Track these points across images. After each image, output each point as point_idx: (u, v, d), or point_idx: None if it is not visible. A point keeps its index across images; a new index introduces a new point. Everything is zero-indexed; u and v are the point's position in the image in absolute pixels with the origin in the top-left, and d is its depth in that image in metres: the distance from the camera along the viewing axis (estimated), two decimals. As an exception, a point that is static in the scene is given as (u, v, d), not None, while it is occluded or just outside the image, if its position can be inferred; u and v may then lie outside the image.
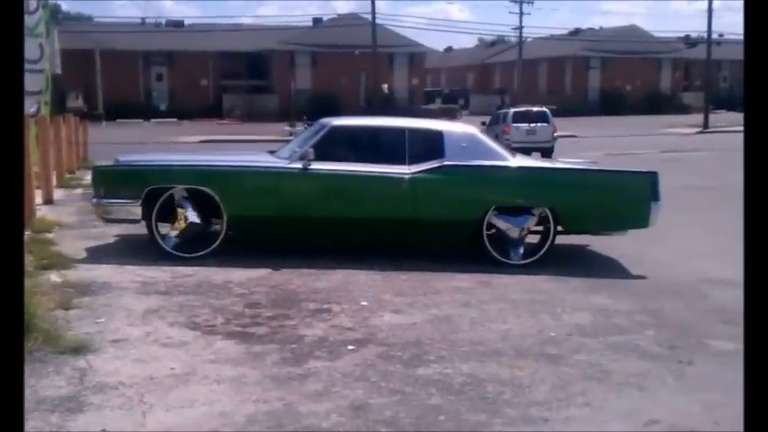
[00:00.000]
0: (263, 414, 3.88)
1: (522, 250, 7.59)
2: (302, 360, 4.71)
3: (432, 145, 7.54)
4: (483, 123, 26.86)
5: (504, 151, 7.90)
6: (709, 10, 41.99)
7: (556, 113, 28.25)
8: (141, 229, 7.72)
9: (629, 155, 23.25)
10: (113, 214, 7.64)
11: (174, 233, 7.47)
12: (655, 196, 7.46)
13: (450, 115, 54.85)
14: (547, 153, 23.04)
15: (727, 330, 5.61)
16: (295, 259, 7.48)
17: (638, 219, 7.58)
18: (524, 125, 24.71)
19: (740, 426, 3.83)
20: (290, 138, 35.37)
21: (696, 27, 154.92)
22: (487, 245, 7.50)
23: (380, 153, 7.57)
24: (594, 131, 36.11)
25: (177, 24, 58.82)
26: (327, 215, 7.50)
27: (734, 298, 6.55)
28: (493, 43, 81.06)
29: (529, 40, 62.71)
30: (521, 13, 53.83)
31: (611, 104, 58.01)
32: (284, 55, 54.71)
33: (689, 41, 67.20)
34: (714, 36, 46.93)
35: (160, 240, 7.44)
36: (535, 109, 26.31)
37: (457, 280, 6.93)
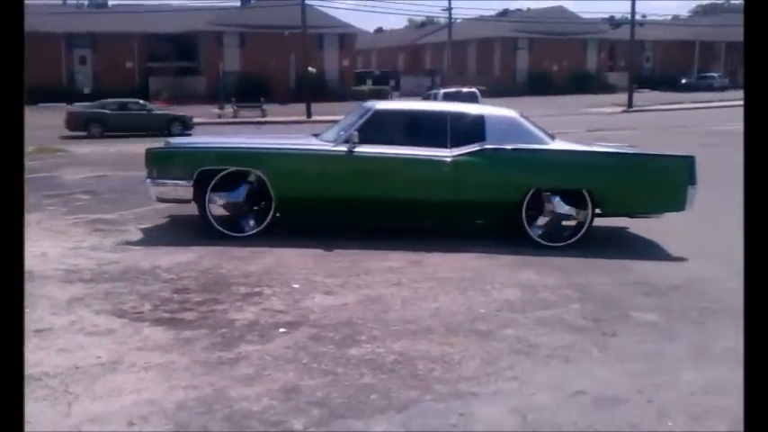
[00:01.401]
0: (192, 400, 3.84)
1: (563, 232, 7.71)
2: (233, 344, 4.67)
3: (473, 128, 7.68)
4: None
5: (543, 135, 7.94)
6: (632, -9, 42.90)
7: (485, 94, 28.55)
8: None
9: (558, 134, 23.63)
10: (165, 194, 7.86)
11: (224, 213, 7.72)
12: (692, 180, 7.54)
13: (381, 96, 54.95)
14: None
15: (648, 302, 5.80)
16: (225, 243, 7.40)
17: (676, 202, 7.65)
18: None
19: (659, 394, 3.98)
20: (219, 119, 34.91)
21: (620, 9, 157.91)
22: (526, 227, 7.60)
23: (423, 136, 7.67)
24: (524, 111, 36.61)
25: (101, 5, 57.13)
26: (371, 196, 7.64)
27: (655, 270, 6.78)
28: (423, 24, 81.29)
29: (458, 21, 63.10)
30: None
31: (539, 85, 58.92)
32: (212, 36, 53.79)
33: (613, 22, 68.73)
34: (637, 17, 48.02)
35: (213, 220, 7.64)
36: (465, 89, 26.67)
37: (389, 260, 6.96)
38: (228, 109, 37.12)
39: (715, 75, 65.21)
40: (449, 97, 25.56)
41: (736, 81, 67.18)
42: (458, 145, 7.54)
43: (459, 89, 26.97)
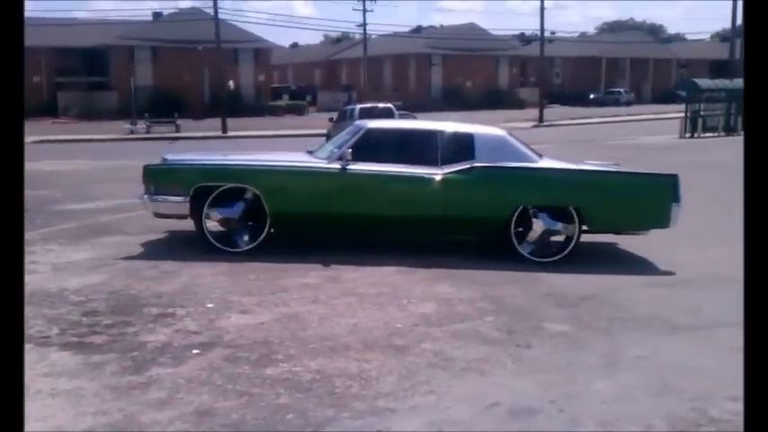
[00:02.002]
0: (101, 426, 3.71)
1: (549, 248, 7.81)
2: (144, 368, 4.54)
3: (463, 147, 7.85)
4: (330, 119, 27.00)
5: (531, 153, 8.08)
6: (542, 8, 44.16)
7: (401, 109, 28.84)
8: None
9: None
10: (162, 209, 7.93)
11: (220, 228, 7.90)
12: (676, 198, 7.69)
13: (297, 112, 54.77)
14: None
15: (560, 313, 5.94)
16: (136, 260, 7.21)
17: (660, 219, 7.80)
18: None
19: (571, 403, 4.07)
20: (131, 135, 34.03)
21: (530, 26, 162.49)
22: (515, 243, 7.74)
23: (414, 154, 7.83)
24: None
25: (4, 18, 54.97)
26: (364, 213, 7.81)
27: (566, 282, 6.95)
28: (338, 40, 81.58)
29: (373, 36, 63.56)
30: (364, 10, 54.42)
31: (453, 100, 59.89)
32: (123, 50, 52.61)
33: (524, 39, 70.55)
34: (546, 34, 49.43)
35: (208, 235, 7.80)
36: (381, 105, 26.92)
37: (306, 276, 6.91)
38: (141, 124, 36.27)
39: (621, 90, 67.69)
40: (365, 113, 25.66)
41: (641, 96, 69.91)
42: (448, 163, 7.72)
43: (376, 104, 27.18)
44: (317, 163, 7.92)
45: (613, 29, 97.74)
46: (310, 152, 8.44)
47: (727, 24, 48.43)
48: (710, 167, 16.56)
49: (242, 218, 7.84)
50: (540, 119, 42.90)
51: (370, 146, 7.86)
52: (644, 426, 3.84)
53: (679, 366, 4.75)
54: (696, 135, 29.25)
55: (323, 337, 5.17)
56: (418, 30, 70.36)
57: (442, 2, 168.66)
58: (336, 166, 7.74)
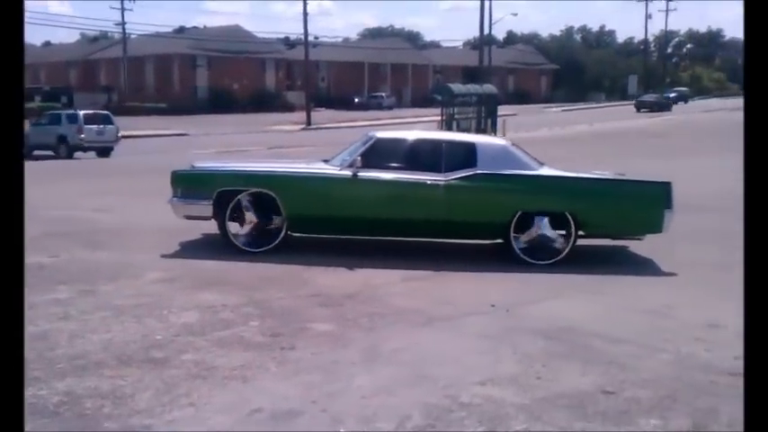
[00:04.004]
0: None
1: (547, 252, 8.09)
2: None
3: (466, 155, 8.24)
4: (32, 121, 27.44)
5: (532, 162, 8.41)
6: (305, 13, 44.79)
7: (166, 111, 28.97)
8: None
9: (239, 152, 23.84)
10: (188, 212, 8.54)
11: (242, 231, 8.43)
12: (668, 204, 7.97)
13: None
14: (107, 152, 26.95)
15: (325, 312, 6.02)
16: None
17: (653, 225, 8.07)
18: (95, 126, 27.10)
19: (333, 401, 4.12)
20: None
21: (295, 29, 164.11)
22: (514, 246, 8.08)
23: (420, 162, 8.30)
24: (205, 129, 36.42)
25: None
26: (373, 216, 8.31)
27: (331, 281, 7.06)
28: (96, 39, 77.18)
29: (134, 36, 60.96)
30: (122, 9, 51.95)
31: (220, 102, 59.00)
32: None
33: (289, 43, 71.07)
34: (311, 38, 50.24)
35: (231, 237, 8.35)
36: (101, 112, 29.49)
37: (54, 292, 6.43)
38: None
39: (383, 94, 70.45)
40: (89, 119, 27.36)
41: (402, 100, 73.18)
42: (451, 170, 8.10)
43: (97, 112, 30.07)
44: (330, 170, 8.43)
45: (374, 35, 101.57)
46: (326, 161, 8.83)
47: (477, 33, 52.12)
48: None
49: (261, 221, 8.34)
50: (308, 122, 43.53)
51: (379, 154, 8.36)
52: (401, 417, 3.98)
53: (433, 356, 4.99)
54: (452, 136, 31.09)
55: (72, 356, 4.82)
56: (181, 30, 68.43)
57: (206, 3, 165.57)
58: (348, 172, 8.20)
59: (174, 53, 62.97)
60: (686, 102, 73.44)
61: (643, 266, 8.04)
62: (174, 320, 5.71)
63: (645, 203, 8.25)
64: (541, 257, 8.05)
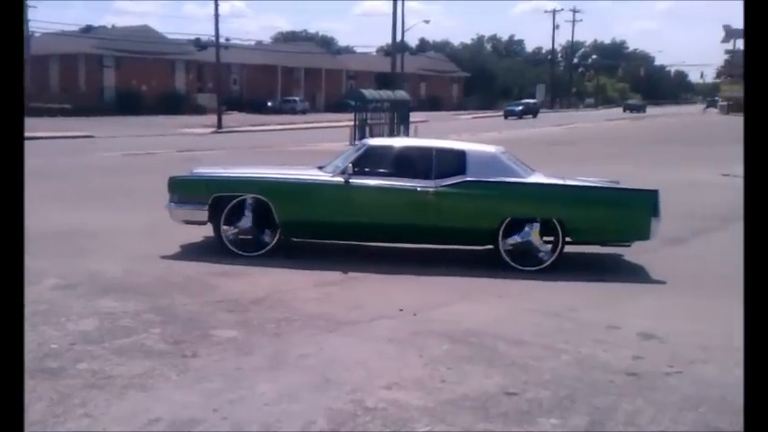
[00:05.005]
0: None
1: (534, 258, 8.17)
2: None
3: (455, 163, 8.34)
4: None
5: (521, 169, 8.53)
6: (216, 15, 44.13)
7: (70, 112, 27.23)
8: None
9: (148, 155, 23.26)
10: (185, 217, 8.63)
11: (236, 235, 8.43)
12: (655, 212, 8.07)
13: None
14: None
15: (230, 318, 5.91)
16: None
17: (640, 232, 8.19)
18: None
19: (235, 409, 4.05)
20: None
21: (206, 31, 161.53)
22: (502, 252, 8.16)
23: (410, 169, 8.43)
24: (113, 131, 35.30)
25: None
26: (365, 221, 8.39)
27: (239, 287, 6.95)
28: (-6, 36, 73.85)
29: (37, 35, 58.66)
30: (25, 6, 49.94)
31: (128, 104, 57.30)
32: None
33: (199, 45, 69.76)
34: (222, 41, 49.51)
35: (225, 241, 8.37)
36: None
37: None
38: None
39: (296, 99, 70.00)
40: None
41: (315, 104, 73.03)
42: (441, 177, 8.22)
43: None
44: (323, 176, 8.54)
45: (288, 39, 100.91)
46: (321, 167, 8.91)
47: (390, 39, 52.54)
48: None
49: (255, 225, 8.35)
50: (219, 125, 42.79)
51: (371, 161, 8.50)
52: (305, 422, 3.94)
53: (340, 361, 4.97)
54: (365, 142, 31.18)
55: (-40, 367, 4.57)
56: (88, 29, 66.28)
57: (115, 2, 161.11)
58: (340, 179, 8.30)
59: (81, 53, 60.90)
60: (535, 115, 65.99)
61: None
62: (72, 328, 5.51)
63: (632, 211, 8.38)
64: (530, 264, 8.14)
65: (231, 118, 50.22)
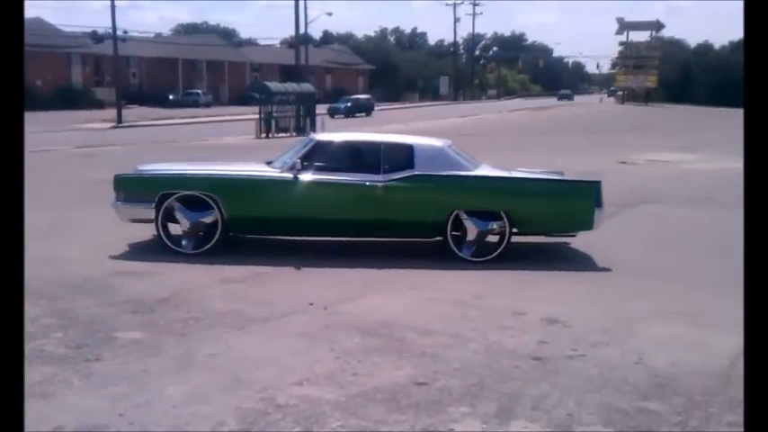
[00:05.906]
0: None
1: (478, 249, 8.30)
2: None
3: (403, 157, 8.44)
4: None
5: (468, 162, 8.66)
6: (113, 6, 42.76)
7: None
8: None
9: (43, 152, 22.34)
10: (131, 215, 8.52)
11: (179, 232, 8.35)
12: (598, 203, 8.31)
13: None
14: None
15: (134, 320, 5.76)
16: None
17: (584, 222, 8.40)
18: None
19: (141, 413, 3.95)
20: None
21: (103, 23, 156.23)
22: (451, 244, 8.29)
23: (359, 164, 8.49)
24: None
25: None
26: (313, 216, 8.41)
27: (143, 287, 6.77)
28: None
29: None
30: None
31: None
32: None
33: (96, 37, 67.39)
34: (120, 33, 48.01)
35: (165, 238, 8.29)
36: None
37: None
38: None
39: (199, 92, 68.62)
40: None
41: (219, 98, 71.82)
42: (389, 172, 8.29)
43: None
44: (271, 172, 8.48)
45: (189, 31, 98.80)
46: (269, 162, 8.85)
47: (293, 31, 52.03)
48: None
49: (201, 222, 8.26)
50: (119, 119, 41.49)
51: (319, 156, 8.48)
52: (215, 423, 3.88)
53: (250, 359, 4.91)
54: (270, 135, 30.94)
55: None
56: (-26, 21, 63.07)
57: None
58: (288, 175, 8.27)
59: (-34, 45, 57.99)
60: (368, 113, 53.89)
61: (456, 260, 8.34)
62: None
63: (576, 202, 8.56)
64: (477, 255, 8.26)
65: (132, 112, 48.79)
